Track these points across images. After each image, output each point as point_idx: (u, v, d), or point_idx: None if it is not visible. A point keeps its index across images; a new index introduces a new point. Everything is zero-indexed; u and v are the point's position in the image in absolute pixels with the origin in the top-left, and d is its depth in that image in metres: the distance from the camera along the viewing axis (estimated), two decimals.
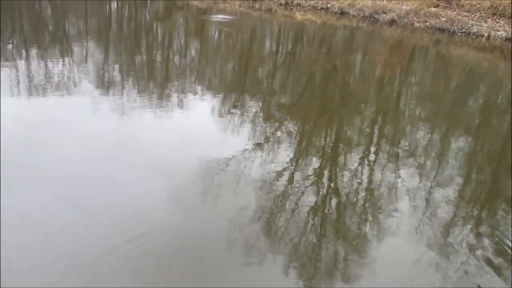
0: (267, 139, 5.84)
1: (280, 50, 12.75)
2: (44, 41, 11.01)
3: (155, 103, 6.81)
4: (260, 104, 7.41)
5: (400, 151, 5.93)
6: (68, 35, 11.96)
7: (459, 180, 5.26)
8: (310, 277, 3.38)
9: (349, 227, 4.03)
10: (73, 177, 4.35)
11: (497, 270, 3.54)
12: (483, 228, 4.20)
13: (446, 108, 8.39)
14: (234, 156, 5.12)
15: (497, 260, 3.66)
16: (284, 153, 5.39)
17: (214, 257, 3.43)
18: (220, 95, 7.64)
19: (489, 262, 3.63)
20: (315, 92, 8.64)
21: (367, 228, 4.02)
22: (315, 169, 5.11)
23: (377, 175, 5.11)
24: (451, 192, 4.88)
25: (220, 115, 6.63)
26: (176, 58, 10.61)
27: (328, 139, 6.22)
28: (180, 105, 6.87)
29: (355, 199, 4.54)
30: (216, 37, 13.70)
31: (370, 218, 4.21)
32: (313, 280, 3.34)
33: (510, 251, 3.78)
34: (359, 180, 4.96)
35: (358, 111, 7.48)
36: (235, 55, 11.50)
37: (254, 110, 6.98)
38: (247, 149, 5.40)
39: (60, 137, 5.26)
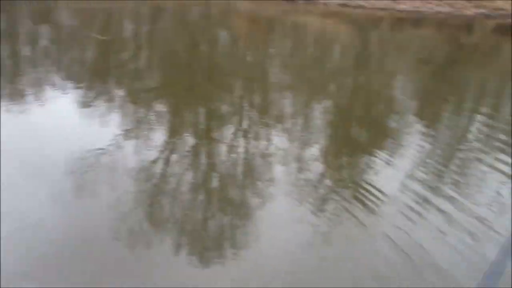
0: (138, 124, 5.65)
1: (139, 32, 12.26)
2: None
3: (9, 99, 6.10)
4: (126, 89, 7.11)
5: (269, 119, 6.24)
6: None
7: (324, 137, 5.75)
8: (201, 251, 3.43)
9: (232, 198, 4.16)
10: None
11: (361, 214, 3.97)
12: (347, 178, 4.67)
13: (305, 73, 9.01)
14: (105, 147, 4.87)
15: (361, 206, 4.11)
16: (157, 136, 5.28)
17: (100, 251, 3.27)
18: (82, 84, 7.12)
19: (354, 209, 4.06)
20: (180, 71, 8.56)
21: (248, 196, 4.19)
22: (191, 147, 5.13)
23: (252, 145, 5.32)
24: (318, 150, 5.32)
25: (85, 106, 6.20)
26: (28, 49, 9.56)
27: (200, 116, 6.26)
28: (39, 98, 6.26)
29: (233, 171, 4.68)
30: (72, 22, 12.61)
31: (250, 186, 4.39)
32: (204, 254, 3.40)
33: (372, 197, 4.26)
34: (235, 152, 5.12)
35: (225, 84, 7.63)
36: (92, 42, 10.76)
37: (120, 96, 6.67)
38: (119, 137, 5.17)
39: None
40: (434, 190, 4.40)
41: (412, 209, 4.01)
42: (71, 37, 11.01)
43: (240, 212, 3.93)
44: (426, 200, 4.18)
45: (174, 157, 4.85)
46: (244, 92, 7.48)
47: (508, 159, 5.20)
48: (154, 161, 4.65)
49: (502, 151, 5.54)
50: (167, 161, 4.72)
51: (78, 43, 10.44)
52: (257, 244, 3.49)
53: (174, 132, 5.59)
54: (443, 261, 3.28)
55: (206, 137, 5.50)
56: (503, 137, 6.14)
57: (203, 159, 4.91)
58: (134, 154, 4.78)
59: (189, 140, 5.35)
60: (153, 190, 4.14)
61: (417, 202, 4.13)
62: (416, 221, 3.83)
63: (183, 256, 3.32)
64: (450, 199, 4.22)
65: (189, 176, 4.45)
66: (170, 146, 5.12)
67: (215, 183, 4.44)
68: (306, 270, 3.21)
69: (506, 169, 4.95)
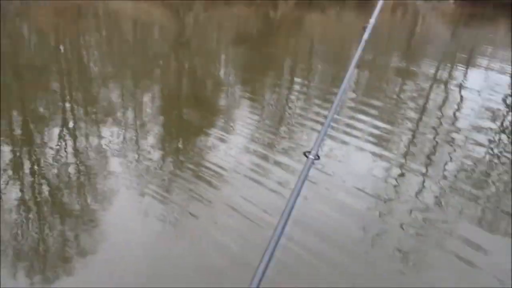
0: None
1: None
2: None
3: None
4: None
5: (97, 113, 5.90)
6: None
7: (156, 124, 5.71)
8: (42, 269, 3.13)
9: (70, 205, 3.86)
10: None
11: (205, 192, 4.12)
12: (187, 160, 4.77)
13: (126, 61, 8.71)
14: None
15: (204, 184, 4.25)
16: None
17: None
18: None
19: (198, 188, 4.19)
20: None
21: (88, 199, 3.95)
22: (8, 159, 4.54)
23: (82, 144, 4.98)
24: (153, 137, 5.27)
25: None
26: None
27: (15, 121, 5.56)
28: None
29: (66, 176, 4.32)
30: None
31: (88, 187, 4.14)
32: (46, 272, 3.11)
33: (213, 173, 4.44)
34: (65, 155, 4.73)
35: (38, 82, 6.90)
36: None
37: None
38: None
39: None
40: (266, 157, 4.82)
41: (250, 177, 4.33)
42: None
43: (82, 218, 3.69)
44: (261, 167, 4.56)
45: None
46: (63, 88, 6.88)
47: (323, 111, 5.97)
48: None
49: (320, 106, 6.37)
50: None
51: None
52: (107, 246, 3.35)
53: None
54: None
55: (27, 144, 4.93)
56: (318, 94, 7.05)
57: (27, 169, 4.41)
58: None
59: (5, 150, 4.72)
60: None
61: (253, 170, 4.48)
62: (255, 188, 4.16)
63: (21, 279, 2.99)
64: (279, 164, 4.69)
65: (13, 194, 3.95)
66: None
67: (47, 194, 4.04)
68: (164, 259, 3.22)
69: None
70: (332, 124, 5.21)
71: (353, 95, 7.00)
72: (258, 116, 6.14)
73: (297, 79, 8.38)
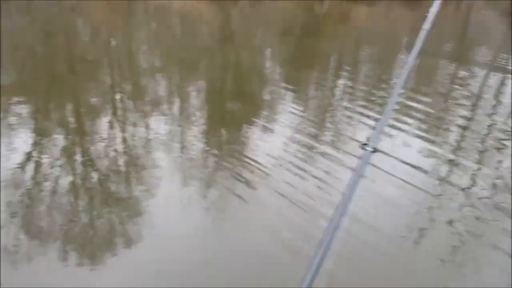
0: None
1: None
2: None
3: None
4: None
5: (144, 105, 6.03)
6: None
7: (202, 116, 5.76)
8: (91, 253, 3.23)
9: (118, 192, 3.96)
10: None
11: (252, 178, 4.12)
12: (229, 148, 4.78)
13: (174, 55, 8.85)
14: None
15: (249, 173, 4.25)
16: (22, 139, 4.77)
17: None
18: None
19: (237, 178, 4.19)
20: (38, 66, 7.76)
21: (134, 188, 4.04)
22: (63, 146, 4.73)
23: (130, 133, 5.11)
24: (198, 129, 5.32)
25: None
26: None
27: (68, 111, 5.78)
28: None
29: (115, 164, 4.45)
30: None
31: (135, 176, 4.23)
32: (95, 256, 3.21)
33: (250, 161, 4.43)
34: (114, 144, 4.86)
35: (91, 74, 7.14)
36: None
37: None
38: None
39: None
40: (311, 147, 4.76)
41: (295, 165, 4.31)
42: None
43: (128, 205, 3.78)
44: (307, 155, 4.51)
45: (45, 159, 4.42)
46: (113, 80, 7.08)
47: (370, 113, 5.80)
48: (23, 168, 4.20)
49: (366, 107, 6.19)
50: (38, 165, 4.29)
51: None
52: (151, 235, 3.41)
53: (41, 132, 5.08)
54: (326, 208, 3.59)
55: (79, 133, 5.11)
56: (364, 93, 6.87)
57: (79, 157, 4.57)
58: None
59: (60, 138, 4.92)
60: (26, 200, 3.75)
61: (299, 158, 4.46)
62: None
63: (72, 262, 3.10)
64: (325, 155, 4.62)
65: (67, 178, 4.11)
66: (39, 148, 4.66)
67: (96, 180, 4.17)
68: (209, 249, 3.24)
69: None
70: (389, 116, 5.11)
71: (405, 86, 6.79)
72: (303, 108, 6.07)
73: (343, 73, 8.22)
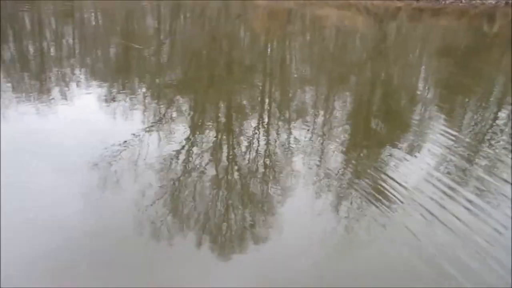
0: (160, 120, 5.74)
1: (161, 28, 12.37)
2: None
3: (36, 97, 6.29)
4: (148, 85, 7.21)
5: (289, 112, 6.26)
6: None
7: (345, 130, 5.73)
8: (222, 245, 3.49)
9: (253, 191, 4.20)
10: None
11: (381, 201, 3.97)
12: (366, 168, 4.66)
13: (325, 66, 8.97)
14: (128, 141, 4.97)
15: (375, 193, 4.11)
16: (179, 131, 5.37)
17: (123, 243, 3.36)
18: (105, 81, 7.26)
19: (373, 196, 4.06)
20: (201, 66, 8.63)
21: (269, 189, 4.23)
22: (212, 142, 5.19)
23: (272, 138, 5.35)
24: (339, 143, 5.31)
25: (108, 101, 6.33)
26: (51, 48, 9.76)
27: (221, 110, 6.31)
28: (64, 96, 6.43)
29: (255, 164, 4.72)
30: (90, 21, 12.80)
31: (271, 179, 4.43)
32: (225, 248, 3.46)
33: (393, 190, 4.25)
34: (256, 145, 5.16)
35: (245, 78, 7.66)
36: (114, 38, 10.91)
37: (142, 92, 6.78)
38: (141, 132, 5.27)
39: None
40: (455, 190, 4.36)
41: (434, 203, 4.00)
42: (96, 39, 11.17)
43: (261, 205, 3.98)
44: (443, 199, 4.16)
45: (195, 151, 4.92)
46: (264, 86, 7.50)
47: None
48: (176, 156, 4.73)
49: None
50: (189, 155, 4.79)
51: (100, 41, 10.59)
52: (278, 237, 3.54)
53: (195, 127, 5.66)
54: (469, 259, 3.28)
55: (227, 131, 5.55)
56: None
57: (224, 153, 4.96)
58: (157, 149, 4.87)
59: (211, 134, 5.41)
60: (175, 184, 4.22)
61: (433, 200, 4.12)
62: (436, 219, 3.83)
63: (204, 250, 3.39)
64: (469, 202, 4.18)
65: (210, 170, 4.51)
66: (192, 140, 5.19)
67: (236, 176, 4.49)
68: (329, 263, 3.25)
69: None
70: None
71: None
72: (453, 138, 5.59)
73: (505, 106, 7.29)
